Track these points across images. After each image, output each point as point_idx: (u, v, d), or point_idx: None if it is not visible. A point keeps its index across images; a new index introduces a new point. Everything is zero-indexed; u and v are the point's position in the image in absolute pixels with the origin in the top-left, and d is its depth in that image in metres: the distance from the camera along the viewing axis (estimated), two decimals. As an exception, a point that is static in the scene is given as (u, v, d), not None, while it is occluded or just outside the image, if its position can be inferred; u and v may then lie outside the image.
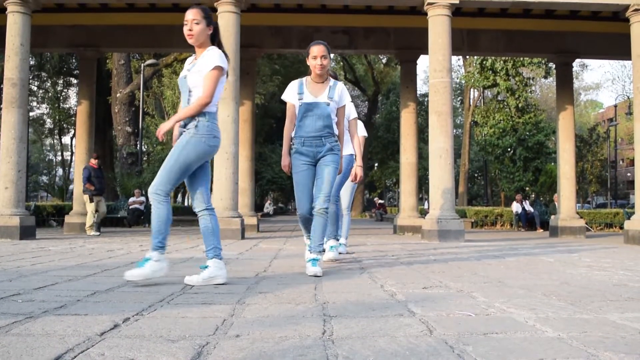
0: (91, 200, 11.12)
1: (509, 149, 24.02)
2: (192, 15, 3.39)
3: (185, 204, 37.62)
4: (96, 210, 11.18)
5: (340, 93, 4.15)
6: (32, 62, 23.25)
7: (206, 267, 3.40)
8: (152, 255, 3.34)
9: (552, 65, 20.78)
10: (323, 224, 4.06)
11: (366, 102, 39.29)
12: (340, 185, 5.56)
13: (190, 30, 3.39)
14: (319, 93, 4.10)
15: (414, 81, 12.98)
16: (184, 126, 3.40)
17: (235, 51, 9.22)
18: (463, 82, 32.18)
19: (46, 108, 35.32)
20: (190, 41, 3.42)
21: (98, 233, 10.88)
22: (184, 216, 17.96)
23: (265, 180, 35.10)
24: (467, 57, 28.12)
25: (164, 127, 3.38)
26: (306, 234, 4.38)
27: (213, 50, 3.42)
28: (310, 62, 4.09)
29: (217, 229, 3.48)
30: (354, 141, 5.14)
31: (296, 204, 4.26)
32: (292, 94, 4.16)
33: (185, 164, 3.34)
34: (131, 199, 16.56)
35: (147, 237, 9.65)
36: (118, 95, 20.39)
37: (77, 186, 12.22)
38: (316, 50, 4.03)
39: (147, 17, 11.58)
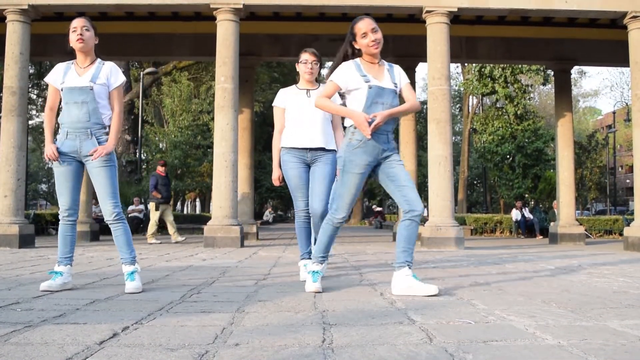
0: (157, 209, 10.91)
1: (508, 156, 24.04)
2: (81, 23, 3.53)
3: (185, 212, 37.60)
4: (159, 218, 10.97)
5: (400, 74, 3.57)
6: (31, 71, 23.30)
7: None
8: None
9: (550, 72, 20.85)
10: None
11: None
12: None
13: (80, 35, 3.49)
14: (381, 77, 3.45)
15: (412, 88, 12.99)
16: (90, 133, 3.47)
17: (234, 59, 9.25)
18: (462, 89, 32.27)
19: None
20: (79, 46, 3.51)
21: (159, 241, 10.66)
22: (184, 224, 17.96)
23: (264, 188, 35.11)
24: (466, 64, 28.21)
25: (109, 149, 3.49)
26: (324, 248, 3.57)
27: (114, 65, 3.65)
28: (361, 43, 3.39)
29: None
30: (337, 134, 4.32)
31: (336, 206, 3.48)
32: (353, 76, 3.40)
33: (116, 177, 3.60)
34: (130, 207, 16.53)
35: (145, 245, 9.65)
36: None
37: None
38: (364, 25, 3.36)
39: (146, 25, 11.62)
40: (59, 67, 3.59)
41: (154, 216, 10.94)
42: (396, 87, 3.48)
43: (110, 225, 3.56)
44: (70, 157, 3.51)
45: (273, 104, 4.41)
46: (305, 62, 4.24)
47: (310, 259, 4.15)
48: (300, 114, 4.21)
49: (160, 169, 11.36)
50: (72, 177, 3.53)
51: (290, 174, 4.24)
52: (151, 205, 11.27)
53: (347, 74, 3.40)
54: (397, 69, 3.58)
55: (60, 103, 3.61)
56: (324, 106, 3.49)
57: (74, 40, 3.50)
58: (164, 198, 11.07)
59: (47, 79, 3.62)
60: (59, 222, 3.60)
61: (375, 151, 3.36)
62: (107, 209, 3.51)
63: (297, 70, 4.37)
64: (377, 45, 3.37)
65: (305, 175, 4.23)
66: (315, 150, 4.18)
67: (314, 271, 3.55)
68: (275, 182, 4.38)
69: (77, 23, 3.52)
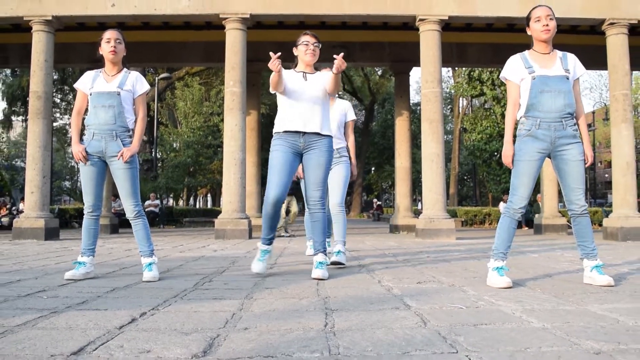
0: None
1: (495, 153, 23.99)
2: (115, 35, 3.57)
3: (197, 206, 37.62)
4: (287, 211, 10.09)
5: (575, 63, 3.28)
6: (55, 77, 23.28)
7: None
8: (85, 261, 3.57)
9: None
10: None
11: (363, 111, 39.28)
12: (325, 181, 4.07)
13: (114, 47, 3.53)
14: (550, 65, 3.22)
15: (407, 91, 12.97)
16: (115, 135, 3.48)
17: (242, 65, 9.23)
18: (452, 91, 32.19)
19: (68, 119, 35.41)
20: (111, 57, 3.54)
21: (288, 234, 9.92)
22: (197, 217, 17.98)
23: (271, 183, 35.03)
24: (456, 68, 28.13)
25: (134, 150, 3.50)
26: (502, 243, 3.29)
27: (139, 74, 3.66)
28: (533, 27, 3.25)
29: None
30: (349, 140, 4.73)
31: (511, 197, 3.24)
32: (519, 68, 3.26)
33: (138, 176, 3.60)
34: (147, 202, 16.57)
35: (161, 237, 9.66)
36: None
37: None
38: (541, 11, 3.22)
39: (161, 34, 11.60)
40: (88, 75, 3.62)
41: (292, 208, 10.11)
42: (568, 73, 3.19)
43: (131, 221, 3.57)
44: (95, 157, 3.52)
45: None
46: (307, 43, 3.67)
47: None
48: (295, 97, 3.64)
49: None
50: (96, 176, 3.54)
51: (274, 155, 3.62)
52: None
53: (513, 67, 3.28)
54: (572, 58, 3.29)
55: (87, 107, 3.61)
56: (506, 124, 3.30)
57: (107, 51, 3.53)
58: (290, 189, 10.28)
59: (77, 84, 3.63)
60: (84, 217, 3.61)
61: (548, 139, 3.14)
62: (129, 207, 3.53)
63: (295, 54, 3.78)
64: (548, 31, 3.18)
65: (289, 163, 3.61)
66: (309, 134, 3.62)
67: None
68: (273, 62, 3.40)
69: (111, 35, 3.54)
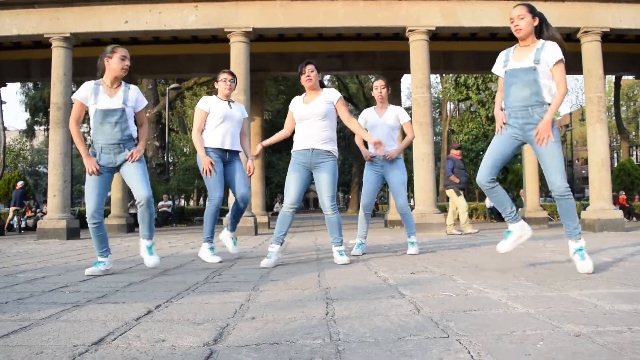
0: (457, 194, 8.57)
1: (481, 153, 23.99)
2: (127, 54, 3.57)
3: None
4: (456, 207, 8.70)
5: (550, 52, 3.10)
6: (73, 89, 23.24)
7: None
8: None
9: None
10: None
11: (358, 116, 39.35)
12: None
13: (127, 65, 3.53)
14: (523, 57, 3.17)
15: (398, 96, 12.95)
16: (123, 146, 3.49)
17: (245, 75, 9.23)
18: (440, 96, 32.18)
19: (86, 127, 35.36)
20: (122, 73, 3.53)
21: (460, 232, 8.38)
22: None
23: (274, 184, 35.09)
24: (444, 74, 28.11)
25: (141, 151, 3.57)
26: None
27: (138, 89, 3.66)
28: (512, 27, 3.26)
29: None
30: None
31: (480, 168, 3.35)
32: (500, 64, 3.30)
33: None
34: (160, 203, 16.56)
35: (173, 235, 9.64)
36: (147, 114, 20.37)
37: (114, 192, 12.17)
38: (513, 12, 3.21)
39: (171, 48, 11.60)
40: (88, 86, 3.47)
41: (458, 203, 8.56)
42: (537, 64, 3.09)
43: (141, 208, 3.52)
44: (105, 168, 3.50)
45: (198, 107, 4.28)
46: (225, 80, 4.34)
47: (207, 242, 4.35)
48: (222, 121, 4.24)
49: (455, 152, 8.98)
50: (101, 185, 3.49)
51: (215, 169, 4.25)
52: (449, 192, 8.71)
53: (498, 62, 3.34)
54: (548, 47, 3.12)
55: (85, 115, 3.58)
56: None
57: (119, 68, 3.48)
58: (462, 183, 8.61)
59: (77, 95, 3.44)
60: (88, 226, 3.58)
61: (517, 125, 3.18)
62: (144, 194, 3.47)
63: (216, 87, 4.40)
64: (519, 31, 3.16)
65: (222, 173, 4.32)
66: (231, 151, 4.36)
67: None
68: (207, 167, 4.15)
69: (126, 53, 3.54)
